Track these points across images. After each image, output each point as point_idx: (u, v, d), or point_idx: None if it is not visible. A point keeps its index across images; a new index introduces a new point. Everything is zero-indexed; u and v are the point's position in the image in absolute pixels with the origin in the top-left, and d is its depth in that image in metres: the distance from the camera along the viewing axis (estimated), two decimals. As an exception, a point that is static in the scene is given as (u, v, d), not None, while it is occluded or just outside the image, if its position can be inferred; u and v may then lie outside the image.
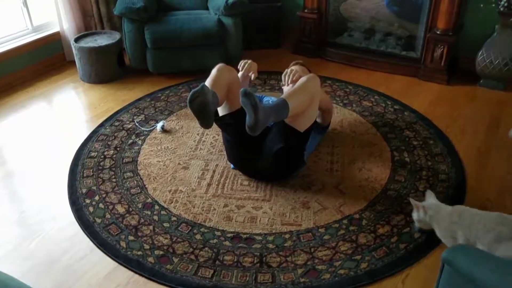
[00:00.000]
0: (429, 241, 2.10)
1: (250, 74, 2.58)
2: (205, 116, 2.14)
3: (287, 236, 2.14)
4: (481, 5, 3.30)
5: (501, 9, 3.15)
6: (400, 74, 3.67)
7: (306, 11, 3.91)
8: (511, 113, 3.13)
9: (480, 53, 3.34)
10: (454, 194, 2.39)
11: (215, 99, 2.22)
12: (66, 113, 3.25)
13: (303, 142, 2.40)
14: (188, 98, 2.12)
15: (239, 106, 2.45)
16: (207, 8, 3.81)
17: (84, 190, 2.45)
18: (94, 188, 2.46)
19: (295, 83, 2.37)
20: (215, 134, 2.93)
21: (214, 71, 2.42)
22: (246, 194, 2.41)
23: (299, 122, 2.31)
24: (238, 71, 2.60)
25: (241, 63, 2.61)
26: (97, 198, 2.39)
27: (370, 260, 2.00)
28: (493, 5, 3.20)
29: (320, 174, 2.54)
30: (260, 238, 2.13)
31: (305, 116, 2.31)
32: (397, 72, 3.68)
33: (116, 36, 3.68)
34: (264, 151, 2.36)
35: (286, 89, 2.49)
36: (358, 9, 4.09)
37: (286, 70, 2.51)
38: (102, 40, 3.62)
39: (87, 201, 2.37)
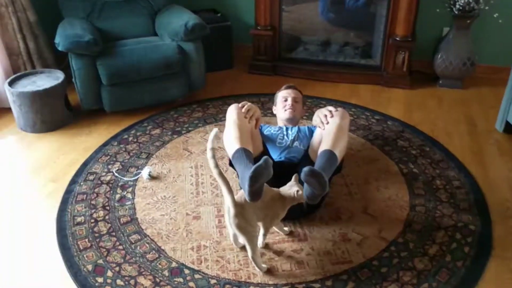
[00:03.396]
0: (479, 252, 2.08)
1: (252, 122, 2.30)
2: (260, 195, 1.86)
3: (344, 277, 1.97)
4: (438, 10, 3.43)
5: (456, 12, 3.31)
6: (364, 83, 3.69)
7: (259, 28, 3.76)
8: (479, 109, 3.30)
9: (439, 55, 3.48)
10: (476, 200, 2.40)
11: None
12: (21, 174, 2.71)
13: (334, 175, 2.26)
14: (249, 175, 1.76)
15: (261, 150, 2.26)
16: (155, 34, 3.49)
17: (89, 267, 2.03)
18: (101, 261, 2.06)
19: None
20: (210, 172, 2.65)
21: (234, 122, 2.17)
22: (278, 237, 2.18)
23: None
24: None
25: (245, 107, 2.31)
26: (110, 274, 2.00)
27: (438, 286, 1.91)
28: (448, 9, 3.34)
29: (342, 200, 2.41)
30: (318, 285, 1.93)
31: (341, 154, 2.17)
32: (360, 82, 3.69)
33: (59, 75, 3.19)
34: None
35: (319, 130, 2.30)
36: (291, 21, 4.05)
37: (319, 112, 2.38)
38: (42, 82, 3.11)
39: (99, 280, 1.97)
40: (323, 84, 3.72)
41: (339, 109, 2.32)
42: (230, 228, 1.99)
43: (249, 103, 2.33)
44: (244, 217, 1.87)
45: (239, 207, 1.86)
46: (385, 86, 3.63)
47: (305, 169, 1.81)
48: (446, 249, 2.10)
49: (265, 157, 1.82)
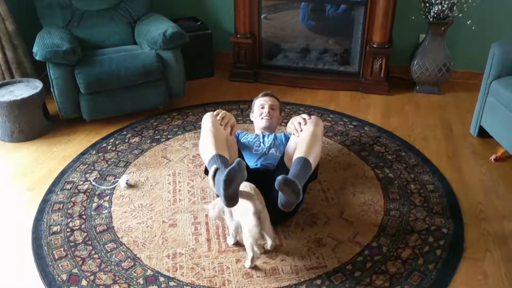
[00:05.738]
0: (451, 254, 2.11)
1: (228, 129, 2.34)
2: (236, 200, 1.88)
3: (318, 282, 1.98)
4: (413, 17, 3.49)
5: (431, 19, 3.37)
6: (343, 90, 3.73)
7: (239, 36, 3.79)
8: (455, 114, 3.36)
9: (415, 62, 3.53)
10: (449, 203, 2.44)
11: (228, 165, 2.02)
12: (-3, 183, 2.71)
13: (309, 181, 2.29)
14: (223, 179, 1.77)
15: (236, 156, 2.28)
16: (134, 43, 3.50)
17: (64, 276, 2.03)
18: (76, 270, 2.05)
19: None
20: (188, 180, 2.66)
21: (209, 129, 2.20)
22: (254, 242, 2.20)
23: None
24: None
25: (219, 114, 2.34)
26: (84, 283, 1.99)
27: (410, 289, 1.95)
28: (423, 16, 3.40)
29: (318, 205, 2.44)
30: (292, 290, 1.95)
31: (315, 161, 2.20)
32: (339, 88, 3.73)
33: (37, 84, 3.19)
34: (271, 193, 2.17)
35: (294, 137, 2.33)
36: (272, 28, 4.09)
37: (293, 120, 2.39)
38: (20, 91, 3.11)
39: (74, 289, 1.97)
40: (303, 90, 3.76)
41: (312, 116, 2.36)
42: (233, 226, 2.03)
43: (223, 111, 2.35)
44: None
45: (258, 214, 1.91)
46: (364, 92, 3.68)
47: (279, 178, 1.83)
48: (418, 252, 2.13)
49: (238, 159, 1.84)
